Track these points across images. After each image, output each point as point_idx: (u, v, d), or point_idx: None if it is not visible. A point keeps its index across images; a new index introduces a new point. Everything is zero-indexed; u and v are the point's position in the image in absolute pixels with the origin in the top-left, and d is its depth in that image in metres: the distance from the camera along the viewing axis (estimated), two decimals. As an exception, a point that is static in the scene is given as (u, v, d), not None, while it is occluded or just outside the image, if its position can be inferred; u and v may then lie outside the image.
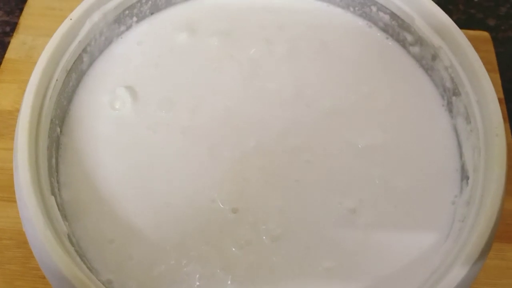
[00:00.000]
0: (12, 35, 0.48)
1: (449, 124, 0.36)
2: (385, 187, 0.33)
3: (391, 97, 0.37)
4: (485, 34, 0.49)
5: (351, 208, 0.32)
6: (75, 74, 0.35)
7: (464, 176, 0.33)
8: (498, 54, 0.49)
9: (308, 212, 0.32)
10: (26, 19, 0.49)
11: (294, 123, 0.35)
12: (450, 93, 0.35)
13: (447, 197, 0.33)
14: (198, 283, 0.30)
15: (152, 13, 0.39)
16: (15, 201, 0.40)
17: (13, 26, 0.51)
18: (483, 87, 0.32)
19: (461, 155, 0.34)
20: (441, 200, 0.33)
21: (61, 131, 0.34)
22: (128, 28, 0.39)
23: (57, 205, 0.30)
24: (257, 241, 0.31)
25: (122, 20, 0.38)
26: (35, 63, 0.47)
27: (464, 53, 0.34)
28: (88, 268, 0.28)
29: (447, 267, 0.28)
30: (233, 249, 0.31)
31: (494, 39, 0.50)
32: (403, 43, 0.39)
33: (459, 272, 0.27)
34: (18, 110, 0.44)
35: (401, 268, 0.30)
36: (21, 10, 0.50)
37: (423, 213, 0.32)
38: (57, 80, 0.33)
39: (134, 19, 0.39)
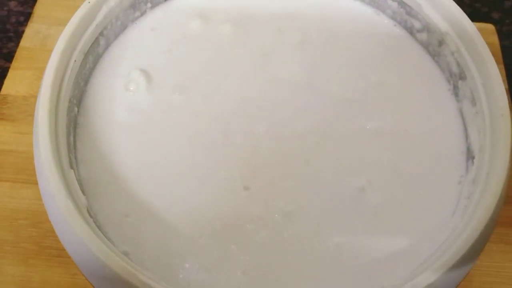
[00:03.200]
0: (26, 25, 0.49)
1: (455, 108, 0.36)
2: (393, 168, 0.34)
3: (399, 83, 0.38)
4: (490, 27, 0.50)
5: (360, 187, 0.33)
6: (92, 56, 0.36)
7: (469, 156, 0.34)
8: (502, 48, 0.49)
9: (318, 190, 0.33)
10: (40, 9, 0.50)
11: (305, 109, 0.36)
12: (456, 78, 0.36)
13: (453, 178, 0.34)
14: (212, 257, 0.31)
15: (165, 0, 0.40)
16: (30, 183, 0.41)
17: (27, 16, 0.52)
18: (488, 69, 0.33)
19: (466, 137, 0.35)
20: (448, 180, 0.34)
21: (78, 111, 0.35)
22: (143, 13, 0.40)
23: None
24: (268, 217, 0.32)
25: (137, 6, 0.39)
26: (49, 51, 0.49)
27: (470, 38, 0.35)
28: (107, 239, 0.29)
29: (454, 240, 0.28)
30: (246, 225, 0.32)
31: (499, 32, 0.50)
32: (410, 30, 0.40)
33: (466, 243, 0.28)
34: (32, 96, 0.46)
35: (409, 243, 0.31)
36: (34, 0, 0.51)
37: (430, 193, 0.33)
38: (75, 61, 0.34)
39: (149, 5, 0.40)
